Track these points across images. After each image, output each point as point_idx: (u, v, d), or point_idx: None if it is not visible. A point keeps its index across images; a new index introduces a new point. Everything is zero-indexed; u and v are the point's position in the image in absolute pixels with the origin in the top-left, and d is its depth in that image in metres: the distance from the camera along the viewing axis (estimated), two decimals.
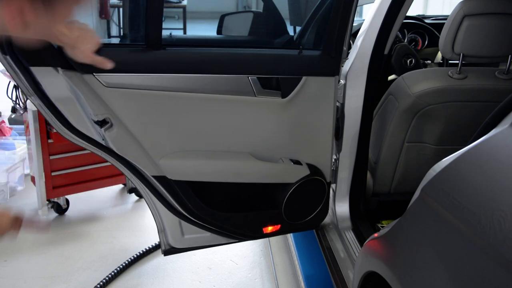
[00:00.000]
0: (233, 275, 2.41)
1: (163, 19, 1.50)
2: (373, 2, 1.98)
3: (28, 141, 2.84)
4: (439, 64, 2.93)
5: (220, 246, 1.94)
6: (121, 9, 5.49)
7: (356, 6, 1.72)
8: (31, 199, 3.01)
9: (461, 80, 1.79)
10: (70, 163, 2.80)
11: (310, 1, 2.18)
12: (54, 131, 2.43)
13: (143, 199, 2.89)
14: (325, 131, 1.82)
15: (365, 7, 5.63)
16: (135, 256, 2.49)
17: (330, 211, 2.09)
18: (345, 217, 2.09)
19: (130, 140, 1.57)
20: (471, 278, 0.79)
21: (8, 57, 1.32)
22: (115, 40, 6.09)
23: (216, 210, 1.77)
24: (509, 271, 0.71)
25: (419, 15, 3.49)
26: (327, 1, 1.83)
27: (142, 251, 2.53)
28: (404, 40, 2.98)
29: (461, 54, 1.72)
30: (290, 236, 2.42)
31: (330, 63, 1.73)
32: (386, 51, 1.95)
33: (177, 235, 1.81)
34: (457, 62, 1.78)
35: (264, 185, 1.79)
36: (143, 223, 2.87)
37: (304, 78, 1.69)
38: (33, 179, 2.87)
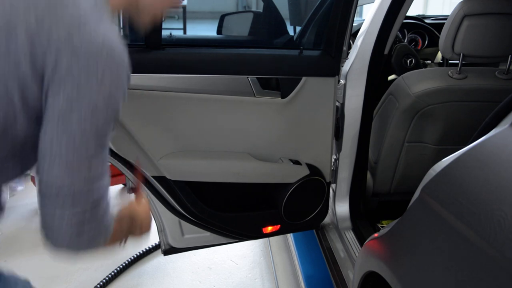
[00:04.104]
0: (233, 275, 2.41)
1: (163, 19, 1.50)
2: (373, 2, 1.98)
3: None
4: (439, 64, 2.93)
5: (220, 246, 1.94)
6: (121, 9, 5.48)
7: (356, 6, 1.72)
8: (31, 199, 3.01)
9: (461, 80, 1.79)
10: None
11: (310, 1, 2.18)
12: None
13: None
14: (325, 131, 1.82)
15: (365, 7, 5.63)
16: (135, 256, 2.48)
17: (330, 211, 2.09)
18: (345, 217, 2.09)
19: (129, 140, 1.57)
20: (471, 278, 0.79)
21: None
22: None
23: (215, 210, 1.77)
24: (509, 271, 0.71)
25: (419, 15, 3.49)
26: (327, 1, 1.82)
27: (142, 251, 2.53)
28: (404, 40, 2.98)
29: (461, 54, 1.72)
30: (290, 236, 2.42)
31: (330, 63, 1.73)
32: (386, 51, 1.95)
33: (177, 235, 1.81)
34: (457, 62, 1.78)
35: (264, 185, 1.79)
36: None
37: (304, 78, 1.69)
38: (33, 179, 2.87)
